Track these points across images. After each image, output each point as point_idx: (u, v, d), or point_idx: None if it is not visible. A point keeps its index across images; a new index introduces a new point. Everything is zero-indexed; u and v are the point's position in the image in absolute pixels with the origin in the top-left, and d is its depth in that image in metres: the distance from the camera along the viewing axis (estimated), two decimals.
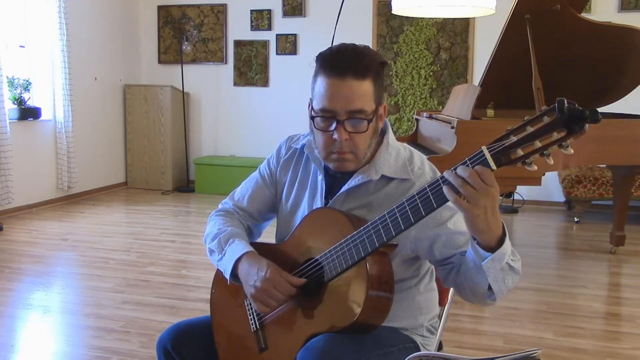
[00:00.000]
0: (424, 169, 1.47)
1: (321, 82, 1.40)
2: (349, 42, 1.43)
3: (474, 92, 4.06)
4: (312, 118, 1.43)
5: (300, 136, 1.64)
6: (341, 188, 1.48)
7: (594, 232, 5.28)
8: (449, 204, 1.27)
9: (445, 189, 1.19)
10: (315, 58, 1.43)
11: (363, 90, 1.38)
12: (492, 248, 1.23)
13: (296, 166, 1.61)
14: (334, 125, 1.39)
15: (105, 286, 3.67)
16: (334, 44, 1.45)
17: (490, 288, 1.28)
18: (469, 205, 1.17)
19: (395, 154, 1.49)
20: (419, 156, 1.51)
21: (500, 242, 1.23)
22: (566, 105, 1.05)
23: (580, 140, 1.08)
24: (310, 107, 1.45)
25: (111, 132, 6.99)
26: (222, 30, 7.09)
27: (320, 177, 1.53)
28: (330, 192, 1.51)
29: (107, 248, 4.52)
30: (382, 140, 1.49)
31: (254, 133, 7.07)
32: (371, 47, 6.81)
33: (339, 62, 1.38)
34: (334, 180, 1.50)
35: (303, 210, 1.55)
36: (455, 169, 1.18)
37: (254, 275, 1.45)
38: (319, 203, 1.52)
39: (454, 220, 1.40)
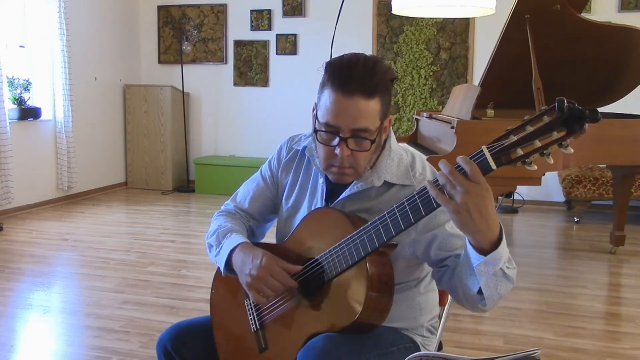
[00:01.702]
0: (426, 174, 1.47)
1: (328, 96, 1.36)
2: (360, 53, 1.38)
3: (474, 92, 4.07)
4: (315, 131, 1.41)
5: (302, 137, 1.63)
6: (342, 192, 1.47)
7: (594, 232, 5.28)
8: None
9: (427, 185, 1.18)
10: (324, 65, 1.39)
11: (370, 109, 1.35)
12: (485, 251, 1.20)
13: (297, 168, 1.61)
14: (336, 141, 1.37)
15: (105, 286, 3.67)
16: (345, 54, 1.39)
17: (480, 292, 1.26)
18: (448, 200, 1.15)
19: (398, 159, 1.48)
20: (420, 161, 1.50)
21: (494, 246, 1.20)
22: (566, 104, 1.05)
23: (580, 140, 1.08)
24: (314, 114, 1.43)
25: (111, 132, 6.99)
26: (222, 30, 7.09)
27: (321, 181, 1.53)
28: (330, 196, 1.51)
29: (107, 248, 4.52)
30: (385, 145, 1.48)
31: (254, 133, 7.07)
32: (371, 47, 6.76)
33: (348, 78, 1.34)
34: (335, 184, 1.49)
35: (303, 213, 1.55)
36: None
37: (249, 264, 1.45)
38: (319, 206, 1.52)
39: (452, 223, 1.38)
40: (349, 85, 1.33)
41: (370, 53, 6.82)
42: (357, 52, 1.40)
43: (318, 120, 1.40)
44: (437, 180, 1.20)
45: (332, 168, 1.42)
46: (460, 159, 1.14)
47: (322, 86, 1.39)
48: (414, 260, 1.46)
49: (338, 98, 1.34)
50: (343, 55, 1.39)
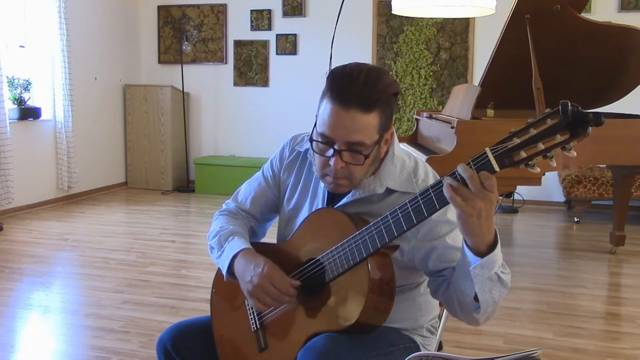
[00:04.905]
0: (428, 181, 1.46)
1: (326, 106, 1.35)
2: (364, 64, 1.34)
3: (474, 92, 4.06)
4: (311, 140, 1.41)
5: (305, 136, 1.62)
6: (344, 196, 1.47)
7: (594, 232, 5.28)
8: (450, 218, 1.25)
9: (444, 185, 1.18)
10: (326, 74, 1.37)
11: (366, 123, 1.33)
12: (482, 253, 1.22)
13: (299, 169, 1.60)
14: (331, 152, 1.36)
15: (105, 286, 3.67)
16: (349, 64, 1.35)
17: (476, 298, 1.27)
18: (465, 204, 1.16)
19: (401, 165, 1.47)
20: (423, 167, 1.49)
21: (491, 248, 1.22)
22: (570, 108, 1.05)
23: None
24: (315, 121, 1.42)
25: (111, 132, 6.99)
26: (222, 30, 7.09)
27: (322, 184, 1.52)
28: (332, 199, 1.50)
29: (107, 248, 4.52)
30: (388, 151, 1.47)
31: (254, 133, 7.07)
32: (371, 47, 6.74)
33: (347, 90, 1.31)
34: None
35: (304, 214, 1.55)
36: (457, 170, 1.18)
37: (250, 271, 1.45)
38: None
39: (453, 236, 1.39)
40: (347, 98, 1.31)
41: (371, 54, 6.75)
42: (362, 62, 1.37)
43: (316, 130, 1.39)
44: (439, 182, 1.21)
45: (326, 177, 1.41)
46: (482, 174, 1.14)
47: (323, 95, 1.37)
48: (409, 264, 1.45)
49: (335, 110, 1.33)
50: (347, 65, 1.36)
